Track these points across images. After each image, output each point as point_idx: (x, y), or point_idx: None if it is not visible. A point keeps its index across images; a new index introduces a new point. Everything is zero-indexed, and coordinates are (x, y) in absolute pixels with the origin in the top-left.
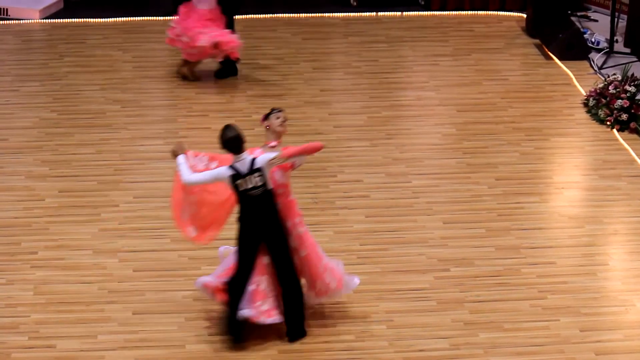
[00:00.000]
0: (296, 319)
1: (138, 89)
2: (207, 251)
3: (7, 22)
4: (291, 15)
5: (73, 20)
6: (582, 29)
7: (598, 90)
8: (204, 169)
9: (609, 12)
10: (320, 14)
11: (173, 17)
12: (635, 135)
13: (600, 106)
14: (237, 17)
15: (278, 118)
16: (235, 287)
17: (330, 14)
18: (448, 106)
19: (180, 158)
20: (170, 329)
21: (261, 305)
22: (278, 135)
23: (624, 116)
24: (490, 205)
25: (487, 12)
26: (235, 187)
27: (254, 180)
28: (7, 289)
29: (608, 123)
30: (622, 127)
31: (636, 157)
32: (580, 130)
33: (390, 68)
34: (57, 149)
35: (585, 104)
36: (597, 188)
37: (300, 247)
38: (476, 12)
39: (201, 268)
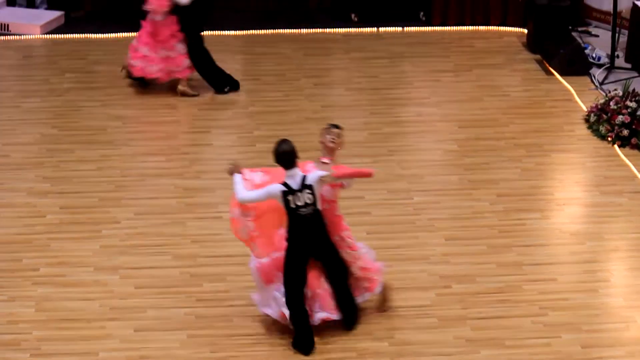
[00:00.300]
0: (352, 310)
1: (139, 105)
2: (209, 268)
3: (8, 37)
4: (292, 31)
5: (74, 35)
6: (583, 45)
7: (599, 106)
8: (260, 183)
9: (610, 27)
10: (321, 30)
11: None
12: (636, 151)
13: (601, 122)
14: (230, 33)
15: (330, 134)
16: (295, 306)
17: (331, 30)
18: (449, 122)
19: (236, 177)
20: (172, 346)
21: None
22: (330, 151)
23: (625, 132)
24: (491, 222)
25: (488, 27)
26: (286, 203)
27: (305, 198)
28: (8, 305)
29: (609, 139)
30: (623, 143)
31: (637, 173)
32: (581, 146)
33: (391, 84)
34: (58, 166)
35: (587, 120)
36: (598, 204)
37: (355, 258)
38: (477, 27)
39: (203, 285)
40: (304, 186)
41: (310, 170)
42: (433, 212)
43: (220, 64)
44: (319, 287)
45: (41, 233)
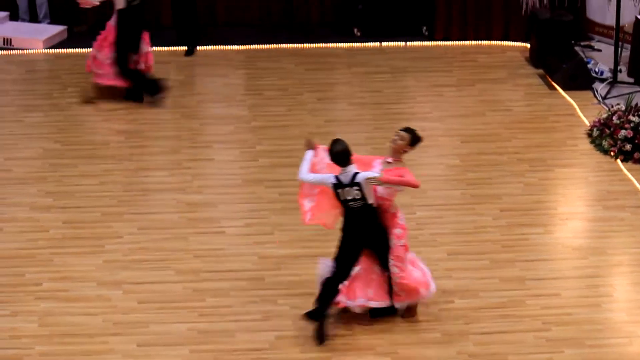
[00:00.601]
0: None
1: (142, 119)
2: (211, 283)
3: (11, 52)
4: (295, 45)
5: (77, 50)
6: (585, 59)
7: (602, 121)
8: (331, 163)
9: (612, 41)
10: (323, 45)
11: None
12: (639, 166)
13: (604, 136)
14: (233, 47)
15: (395, 135)
16: (329, 287)
17: (334, 45)
18: (452, 137)
19: (307, 153)
20: None
21: (369, 292)
22: (393, 152)
23: (628, 146)
24: (494, 237)
25: (491, 42)
26: (337, 195)
27: (353, 193)
28: (11, 320)
29: (612, 153)
30: (626, 157)
31: None
32: (584, 161)
33: (394, 99)
34: (61, 180)
35: (589, 135)
36: (601, 219)
37: (394, 267)
38: (480, 42)
39: (205, 300)
40: (353, 183)
41: (374, 167)
42: (436, 227)
43: (223, 78)
44: (372, 272)
45: (44, 248)
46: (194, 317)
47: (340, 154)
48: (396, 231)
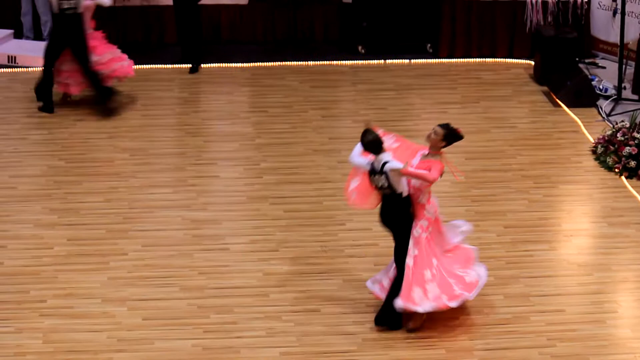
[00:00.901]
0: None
1: (146, 137)
2: (216, 300)
3: (16, 69)
4: (299, 63)
5: None
6: (590, 76)
7: (606, 138)
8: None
9: (617, 59)
10: (328, 62)
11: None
12: None
13: (608, 153)
14: (237, 65)
15: (432, 129)
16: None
17: (338, 62)
18: (456, 154)
19: None
20: None
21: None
22: (430, 145)
23: (632, 163)
24: (499, 253)
25: (495, 59)
26: (371, 181)
27: (382, 181)
28: (15, 337)
29: (616, 170)
30: (631, 174)
31: None
32: (589, 178)
33: (398, 116)
34: (66, 197)
35: (594, 151)
36: (606, 235)
37: (412, 247)
38: (484, 59)
39: (210, 316)
40: (382, 172)
41: (417, 156)
42: None
43: (227, 95)
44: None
45: (48, 265)
46: (198, 334)
47: (371, 143)
48: (421, 222)
